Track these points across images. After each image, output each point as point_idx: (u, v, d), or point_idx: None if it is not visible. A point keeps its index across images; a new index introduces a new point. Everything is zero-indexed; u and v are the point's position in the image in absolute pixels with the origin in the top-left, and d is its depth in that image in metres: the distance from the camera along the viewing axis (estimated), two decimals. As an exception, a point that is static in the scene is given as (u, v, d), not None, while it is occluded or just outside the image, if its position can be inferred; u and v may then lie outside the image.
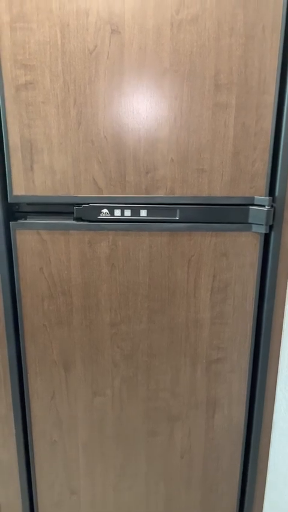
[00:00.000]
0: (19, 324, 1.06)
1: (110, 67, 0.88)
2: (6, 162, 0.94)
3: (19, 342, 1.09)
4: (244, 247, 0.99)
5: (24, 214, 1.00)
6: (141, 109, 0.90)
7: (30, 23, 0.86)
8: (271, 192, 0.95)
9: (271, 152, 0.92)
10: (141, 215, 0.97)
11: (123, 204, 0.96)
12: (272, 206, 0.95)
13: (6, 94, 0.89)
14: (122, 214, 0.97)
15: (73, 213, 0.98)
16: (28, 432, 1.16)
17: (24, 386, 1.12)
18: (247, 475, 1.19)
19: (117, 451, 1.17)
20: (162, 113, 0.91)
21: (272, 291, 1.02)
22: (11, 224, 0.98)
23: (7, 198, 0.96)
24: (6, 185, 0.96)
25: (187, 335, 1.07)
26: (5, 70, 0.88)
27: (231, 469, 1.19)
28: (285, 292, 1.02)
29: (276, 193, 0.95)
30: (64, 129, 0.92)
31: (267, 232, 0.97)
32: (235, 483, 1.20)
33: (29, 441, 1.17)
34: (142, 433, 1.15)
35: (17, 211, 1.00)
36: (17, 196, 0.96)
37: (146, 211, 0.96)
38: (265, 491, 1.20)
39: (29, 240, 0.99)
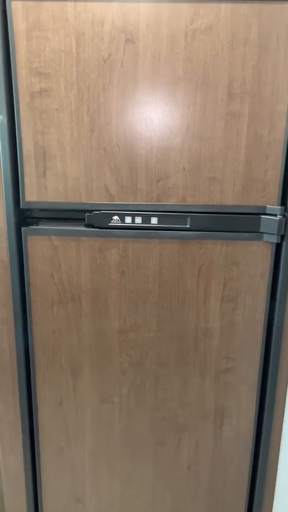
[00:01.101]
0: (28, 330, 1.06)
1: (124, 76, 0.89)
2: (19, 168, 0.95)
3: (28, 348, 1.09)
4: (255, 256, 0.99)
5: (36, 220, 1.00)
6: (154, 117, 0.91)
7: (46, 31, 0.87)
8: (283, 201, 0.95)
9: (284, 161, 0.92)
10: (152, 222, 0.97)
11: (134, 211, 0.96)
12: (284, 216, 0.95)
13: (21, 101, 0.90)
14: (133, 221, 0.97)
15: (84, 219, 0.98)
16: (35, 438, 1.15)
17: (32, 392, 1.11)
18: (255, 488, 1.17)
19: (123, 459, 1.16)
20: (175, 121, 0.91)
21: (282, 302, 1.01)
22: (22, 229, 0.99)
23: (19, 204, 0.97)
24: (18, 191, 0.96)
25: (196, 344, 1.06)
26: (20, 78, 0.89)
27: (239, 482, 1.17)
28: (297, 302, 1.01)
29: (289, 203, 0.94)
30: (77, 136, 0.92)
31: (279, 242, 0.96)
32: (242, 496, 1.18)
33: (35, 447, 1.16)
34: (149, 442, 1.14)
35: (29, 217, 1.00)
36: (29, 202, 0.97)
37: (156, 218, 0.97)
38: (273, 505, 1.18)
39: (40, 245, 1.00)
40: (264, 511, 1.18)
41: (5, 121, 0.91)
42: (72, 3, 0.85)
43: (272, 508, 1.18)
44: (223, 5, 0.84)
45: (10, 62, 0.89)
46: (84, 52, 0.88)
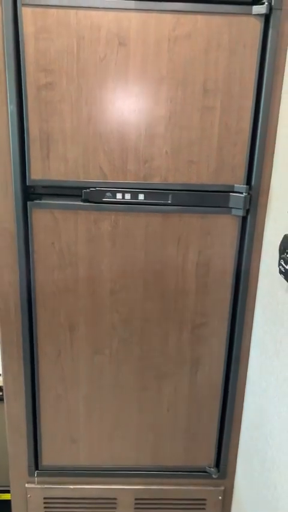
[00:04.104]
0: (32, 291, 1.23)
1: (117, 73, 1.05)
2: (26, 151, 1.10)
3: (31, 308, 1.25)
4: (225, 227, 1.18)
5: (40, 196, 1.16)
6: (142, 108, 1.08)
7: (51, 34, 1.02)
8: (248, 181, 1.14)
9: (249, 148, 1.11)
10: (139, 198, 1.15)
11: (124, 189, 1.14)
12: (248, 193, 1.14)
13: (29, 93, 1.06)
14: (123, 197, 1.15)
15: (81, 195, 1.15)
16: (36, 387, 1.33)
17: (34, 346, 1.28)
18: (224, 426, 1.38)
19: (113, 404, 1.35)
20: (159, 112, 1.08)
21: (247, 266, 1.21)
22: (28, 204, 1.15)
23: (26, 181, 1.13)
24: (25, 170, 1.12)
25: (175, 302, 1.25)
26: (28, 73, 1.04)
27: (210, 421, 1.38)
28: (258, 267, 1.21)
29: (253, 182, 1.14)
30: (76, 124, 1.09)
31: (245, 215, 1.16)
32: (213, 433, 1.39)
33: (36, 395, 1.34)
34: (135, 388, 1.34)
35: (33, 193, 1.16)
36: (34, 180, 1.13)
37: (143, 195, 1.15)
38: (239, 441, 1.39)
39: (43, 218, 1.16)
40: (231, 447, 1.40)
41: (15, 109, 1.07)
42: (74, 10, 1.01)
43: (238, 443, 1.40)
44: (199, 16, 1.02)
45: (20, 60, 1.04)
46: (83, 52, 1.04)
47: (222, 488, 1.46)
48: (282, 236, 0.97)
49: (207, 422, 1.38)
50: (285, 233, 0.97)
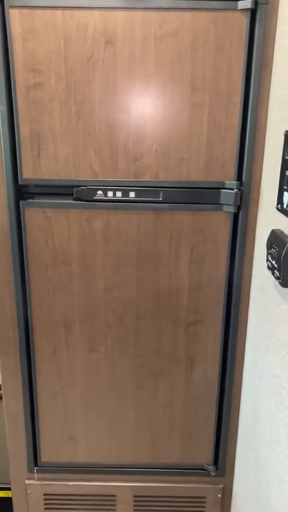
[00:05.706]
0: (27, 290, 1.24)
1: (105, 72, 1.06)
2: (17, 150, 1.12)
3: (27, 306, 1.27)
4: (217, 224, 1.18)
5: (32, 195, 1.18)
6: (131, 106, 1.09)
7: (39, 34, 1.03)
8: (239, 177, 1.14)
9: (238, 144, 1.11)
10: (130, 196, 1.15)
11: (115, 187, 1.15)
12: (239, 189, 1.14)
13: (18, 93, 1.07)
14: (114, 195, 1.15)
15: (73, 194, 1.16)
16: (33, 384, 1.34)
17: (30, 344, 1.30)
18: (221, 424, 1.37)
19: (109, 402, 1.36)
20: (148, 110, 1.09)
21: (240, 262, 1.20)
22: (20, 203, 1.16)
23: (18, 181, 1.15)
24: (17, 170, 1.14)
25: (169, 300, 1.25)
26: (17, 74, 1.06)
27: (207, 419, 1.37)
28: (251, 262, 1.20)
29: (243, 178, 1.13)
30: (66, 123, 1.10)
31: (236, 211, 1.16)
32: (210, 431, 1.39)
33: (34, 392, 1.35)
34: (131, 387, 1.34)
35: (25, 192, 1.18)
36: (26, 179, 1.15)
37: (134, 192, 1.15)
38: (237, 439, 1.39)
39: (36, 216, 1.18)
40: (229, 445, 1.40)
41: (5, 110, 1.08)
42: (61, 11, 1.02)
43: (236, 441, 1.39)
44: (185, 13, 1.02)
45: (8, 60, 1.05)
46: (71, 52, 1.05)
47: (221, 486, 1.45)
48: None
49: (204, 420, 1.38)
50: (273, 228, 0.97)
